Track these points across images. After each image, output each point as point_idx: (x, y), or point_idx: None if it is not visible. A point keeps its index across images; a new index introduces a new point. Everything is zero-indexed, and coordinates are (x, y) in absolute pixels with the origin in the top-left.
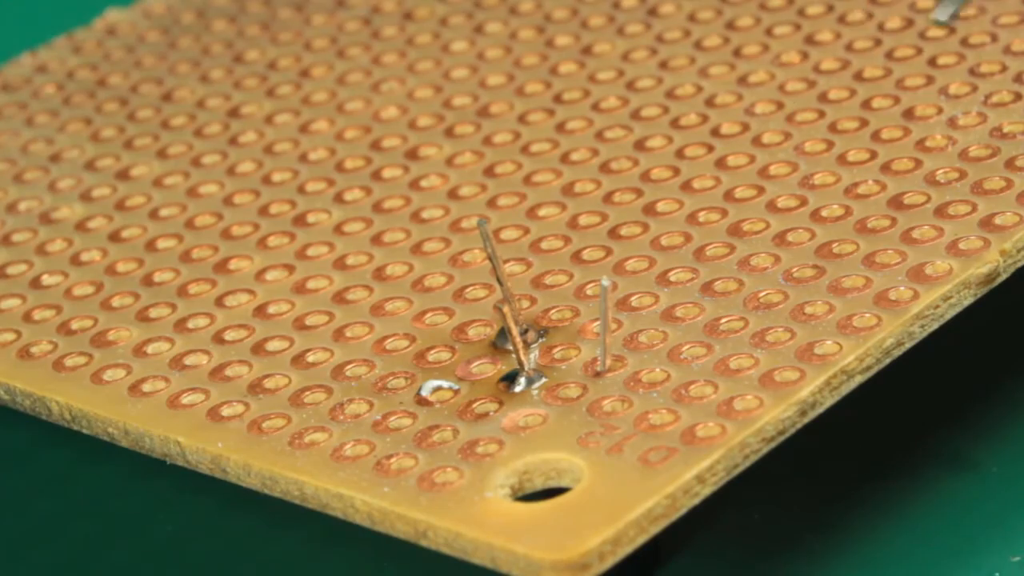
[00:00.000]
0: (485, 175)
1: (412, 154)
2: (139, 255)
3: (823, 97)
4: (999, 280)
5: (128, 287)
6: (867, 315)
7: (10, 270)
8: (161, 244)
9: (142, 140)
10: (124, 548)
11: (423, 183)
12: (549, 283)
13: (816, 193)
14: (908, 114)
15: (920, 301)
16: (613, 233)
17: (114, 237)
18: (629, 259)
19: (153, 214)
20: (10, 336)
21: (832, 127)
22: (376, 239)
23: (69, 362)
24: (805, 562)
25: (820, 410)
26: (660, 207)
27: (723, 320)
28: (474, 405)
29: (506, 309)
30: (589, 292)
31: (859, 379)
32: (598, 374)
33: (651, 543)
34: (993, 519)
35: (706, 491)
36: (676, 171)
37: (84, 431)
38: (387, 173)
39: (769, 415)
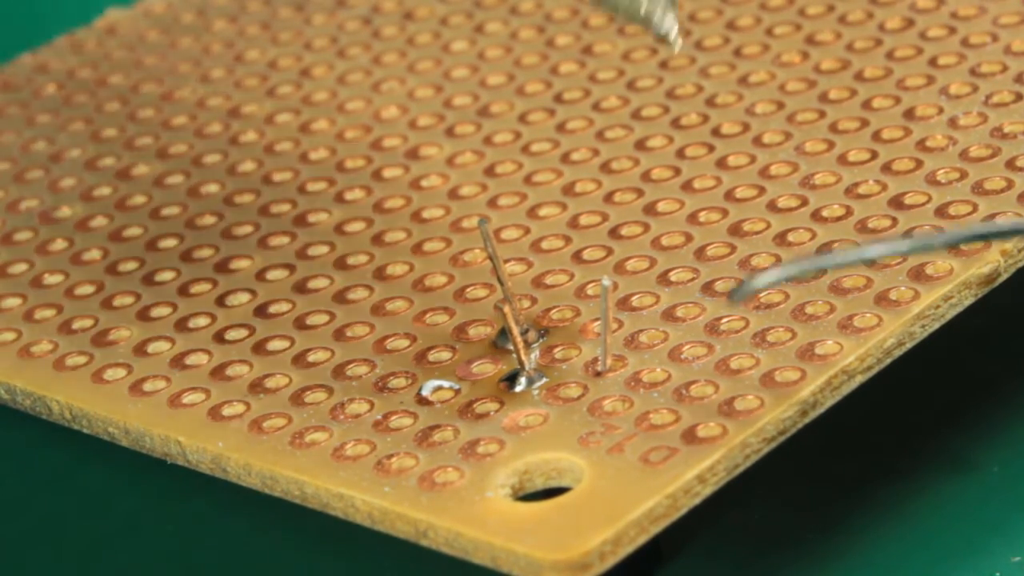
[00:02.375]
0: (485, 175)
1: (412, 154)
2: (140, 254)
3: (824, 97)
4: (1000, 280)
5: (129, 286)
6: (868, 315)
7: (11, 269)
8: (162, 243)
9: (143, 139)
10: (124, 548)
11: (424, 183)
12: (550, 283)
13: (817, 193)
14: (909, 114)
15: (921, 301)
16: (614, 233)
17: (115, 236)
18: (630, 259)
19: (154, 213)
20: (11, 335)
21: (833, 127)
22: (376, 239)
23: (69, 361)
24: (805, 562)
25: (821, 410)
26: (661, 207)
27: (724, 320)
28: (475, 405)
29: (507, 309)
30: (590, 292)
31: (860, 379)
32: (599, 374)
33: (652, 543)
34: (993, 520)
35: (707, 491)
36: (677, 171)
37: (84, 431)
38: (387, 173)
39: (770, 415)
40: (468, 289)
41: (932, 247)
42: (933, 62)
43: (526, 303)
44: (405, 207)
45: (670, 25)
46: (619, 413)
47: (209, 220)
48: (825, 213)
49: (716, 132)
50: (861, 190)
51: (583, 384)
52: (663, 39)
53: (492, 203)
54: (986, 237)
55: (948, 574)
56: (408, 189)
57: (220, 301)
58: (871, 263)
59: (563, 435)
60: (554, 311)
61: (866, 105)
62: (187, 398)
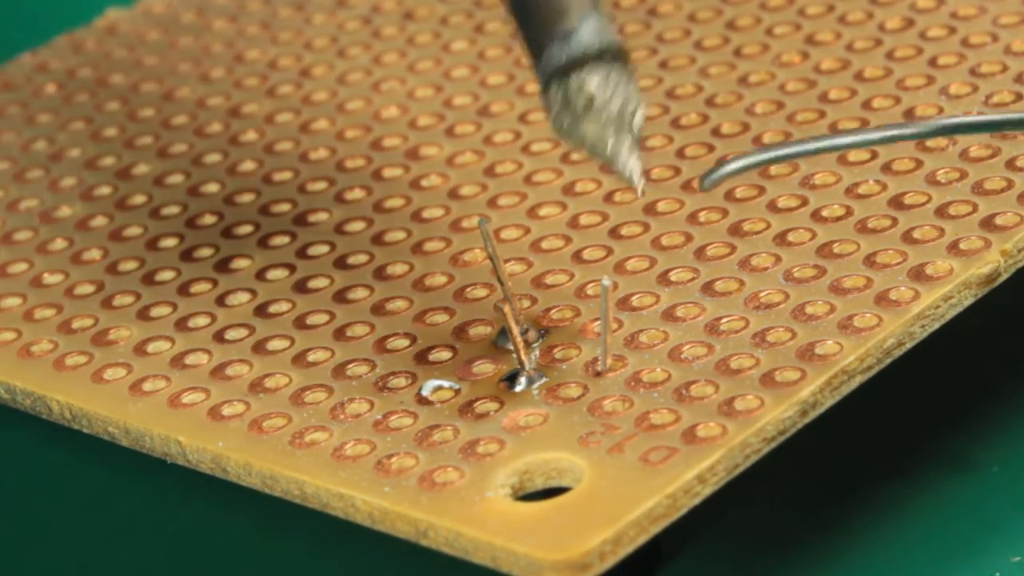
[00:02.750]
0: (485, 174)
1: (413, 153)
2: (140, 254)
3: (823, 97)
4: (1000, 280)
5: (129, 286)
6: (868, 315)
7: (11, 269)
8: (162, 243)
9: (143, 139)
10: (124, 548)
11: (424, 182)
12: (550, 283)
13: (817, 193)
14: (909, 114)
15: (921, 301)
16: (614, 233)
17: (115, 236)
18: (630, 259)
19: (154, 213)
20: (11, 335)
21: (833, 127)
22: (377, 238)
23: (70, 361)
24: (805, 562)
25: (820, 410)
26: (661, 207)
27: (724, 320)
28: (475, 405)
29: (507, 308)
30: (590, 292)
31: (859, 379)
32: (599, 374)
33: (652, 543)
34: (993, 519)
35: (707, 491)
36: (677, 171)
37: (84, 430)
38: (388, 172)
39: (770, 415)
40: (468, 289)
41: (903, 137)
42: (933, 62)
43: (526, 303)
44: (405, 207)
45: (634, 166)
46: (619, 413)
47: (209, 220)
48: (825, 213)
49: (716, 132)
50: (861, 190)
51: (583, 384)
52: (627, 180)
53: (492, 203)
54: (955, 130)
55: (948, 574)
56: (408, 189)
57: (220, 301)
58: (840, 151)
59: (563, 435)
60: (554, 311)
61: (866, 105)
62: (187, 398)
